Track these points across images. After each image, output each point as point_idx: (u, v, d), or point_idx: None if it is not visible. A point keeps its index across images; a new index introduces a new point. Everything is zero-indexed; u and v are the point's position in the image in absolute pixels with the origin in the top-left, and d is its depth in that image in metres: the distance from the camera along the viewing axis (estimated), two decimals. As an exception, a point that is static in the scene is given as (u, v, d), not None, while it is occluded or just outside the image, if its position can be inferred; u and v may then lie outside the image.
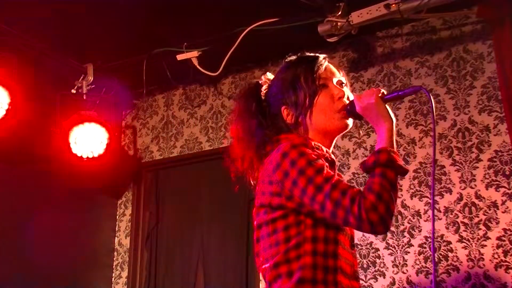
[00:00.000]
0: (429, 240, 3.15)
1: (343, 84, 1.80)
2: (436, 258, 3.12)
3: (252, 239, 3.75)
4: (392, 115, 1.67)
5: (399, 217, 3.27)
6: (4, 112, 3.37)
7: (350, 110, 1.74)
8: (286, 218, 1.62)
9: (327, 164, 1.61)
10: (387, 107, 1.68)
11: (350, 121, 1.78)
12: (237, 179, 1.95)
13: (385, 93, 1.71)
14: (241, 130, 1.84)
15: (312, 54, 1.85)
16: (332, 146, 1.83)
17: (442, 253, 3.10)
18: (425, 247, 3.16)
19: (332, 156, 1.73)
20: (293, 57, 1.91)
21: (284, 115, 1.79)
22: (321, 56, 1.83)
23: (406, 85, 3.45)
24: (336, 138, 1.83)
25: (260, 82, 1.93)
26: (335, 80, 1.79)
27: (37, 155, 3.75)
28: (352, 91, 3.80)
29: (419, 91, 1.73)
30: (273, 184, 1.64)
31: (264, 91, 1.90)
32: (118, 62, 3.92)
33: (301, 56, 1.89)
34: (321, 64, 1.79)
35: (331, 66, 1.82)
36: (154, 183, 4.39)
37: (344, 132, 1.81)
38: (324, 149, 1.72)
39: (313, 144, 1.66)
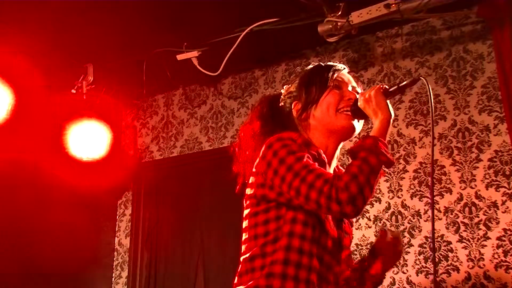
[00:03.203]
0: (429, 240, 3.15)
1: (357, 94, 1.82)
2: (436, 258, 3.12)
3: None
4: (391, 109, 1.69)
5: (399, 216, 3.27)
6: (4, 112, 3.37)
7: (354, 108, 1.75)
8: (267, 212, 1.64)
9: (309, 156, 1.62)
10: (387, 101, 1.70)
11: (356, 124, 1.78)
12: (237, 179, 1.96)
13: (387, 88, 1.73)
14: (244, 132, 1.90)
15: (339, 64, 1.90)
16: (338, 150, 1.82)
17: (442, 253, 3.10)
18: (425, 247, 3.16)
19: (324, 156, 1.72)
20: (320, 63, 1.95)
21: (294, 110, 1.83)
22: (345, 67, 1.88)
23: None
24: (342, 143, 1.82)
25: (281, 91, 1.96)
26: (350, 87, 1.82)
27: (37, 155, 3.75)
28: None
29: (417, 82, 1.74)
30: (258, 175, 1.68)
31: (283, 95, 1.92)
32: (118, 62, 3.92)
33: (323, 64, 1.92)
34: (339, 70, 1.84)
35: (350, 76, 1.86)
36: (154, 183, 4.39)
37: (351, 136, 1.81)
38: (320, 151, 1.72)
39: (301, 141, 1.67)
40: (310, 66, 1.92)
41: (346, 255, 1.80)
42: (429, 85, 1.72)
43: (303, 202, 1.56)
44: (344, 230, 1.78)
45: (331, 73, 1.81)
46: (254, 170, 1.72)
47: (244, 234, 1.72)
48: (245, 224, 1.72)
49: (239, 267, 1.71)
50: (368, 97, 1.70)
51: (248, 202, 1.72)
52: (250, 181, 1.74)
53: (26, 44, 3.57)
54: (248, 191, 1.73)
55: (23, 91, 3.51)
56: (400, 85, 1.73)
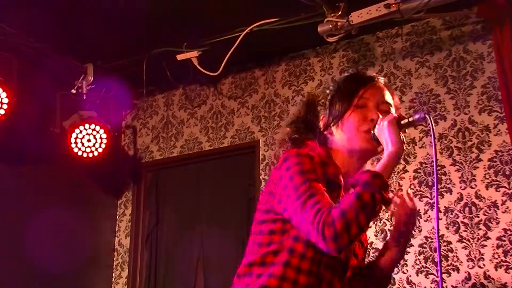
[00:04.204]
0: (429, 240, 3.15)
1: (386, 113, 1.71)
2: (436, 258, 3.12)
3: (252, 239, 3.66)
4: (402, 142, 1.62)
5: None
6: (3, 112, 3.37)
7: (373, 132, 1.68)
8: (273, 223, 1.64)
9: (319, 178, 1.57)
10: (401, 134, 1.63)
11: (379, 145, 1.71)
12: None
13: (400, 119, 1.66)
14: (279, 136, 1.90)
15: (371, 74, 1.81)
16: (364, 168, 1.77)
17: (442, 253, 3.10)
18: (425, 247, 3.16)
19: (341, 178, 1.67)
20: (357, 70, 1.92)
21: (321, 123, 1.79)
22: (379, 79, 1.78)
23: (406, 86, 3.46)
24: (366, 162, 1.77)
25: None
26: (379, 105, 1.73)
27: (37, 155, 3.75)
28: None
29: (425, 119, 1.65)
30: (271, 185, 1.67)
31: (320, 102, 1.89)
32: (118, 62, 3.92)
33: (361, 71, 1.90)
34: (371, 85, 1.74)
35: (384, 92, 1.76)
36: (154, 183, 4.39)
37: (374, 157, 1.75)
38: (338, 172, 1.67)
39: (319, 159, 1.63)
40: (345, 75, 1.85)
41: (350, 275, 1.77)
42: (433, 124, 1.64)
43: (295, 226, 1.56)
44: (353, 251, 1.74)
45: (358, 89, 1.72)
46: (270, 177, 1.72)
47: (251, 237, 1.73)
48: (252, 227, 1.73)
49: (240, 267, 1.72)
50: (382, 127, 1.64)
51: (259, 206, 1.73)
52: (265, 186, 1.73)
53: (26, 44, 3.57)
54: (261, 196, 1.74)
55: (23, 91, 3.51)
56: (409, 119, 1.66)
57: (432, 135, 1.65)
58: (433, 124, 1.66)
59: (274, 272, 1.58)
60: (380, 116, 1.68)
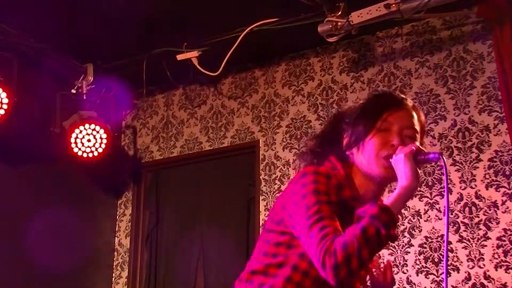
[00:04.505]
0: (429, 240, 3.15)
1: (410, 138, 1.65)
2: (436, 258, 3.12)
3: (252, 239, 3.77)
4: (418, 177, 1.57)
5: (399, 217, 3.27)
6: (3, 112, 3.37)
7: (392, 160, 1.63)
8: (282, 235, 1.62)
9: (332, 201, 1.54)
10: (417, 169, 1.57)
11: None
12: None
13: (422, 150, 1.62)
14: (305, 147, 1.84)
15: (401, 96, 1.75)
16: (383, 193, 1.75)
17: (443, 253, 3.10)
18: (425, 247, 3.16)
19: (355, 201, 1.64)
20: (386, 91, 1.86)
21: (344, 139, 1.73)
22: (407, 103, 1.71)
23: (406, 86, 3.46)
24: (385, 188, 1.74)
25: None
26: (403, 130, 1.66)
27: (37, 155, 3.75)
28: (352, 91, 3.81)
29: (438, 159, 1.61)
30: (285, 198, 1.64)
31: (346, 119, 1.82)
32: (118, 62, 3.92)
33: (389, 93, 1.83)
34: (397, 108, 1.68)
35: (410, 117, 1.69)
36: (154, 183, 4.39)
37: (393, 182, 1.69)
38: (355, 195, 1.65)
39: (336, 182, 1.60)
40: (374, 94, 1.82)
41: None
42: (446, 165, 1.61)
43: (302, 246, 1.55)
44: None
45: (383, 111, 1.66)
46: (286, 188, 1.68)
47: (258, 242, 1.72)
48: (260, 235, 1.72)
49: (243, 272, 1.71)
50: (398, 158, 1.58)
51: (271, 215, 1.70)
52: (280, 197, 1.70)
53: (26, 44, 3.57)
54: (274, 205, 1.70)
55: (23, 91, 3.51)
56: (425, 157, 1.60)
57: (445, 175, 1.59)
58: (446, 165, 1.62)
59: (275, 285, 1.58)
60: (403, 142, 1.63)
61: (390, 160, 1.61)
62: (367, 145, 1.65)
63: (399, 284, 3.18)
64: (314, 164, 1.72)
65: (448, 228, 1.66)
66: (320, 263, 1.44)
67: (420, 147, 1.62)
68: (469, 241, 3.05)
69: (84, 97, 3.91)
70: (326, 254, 1.43)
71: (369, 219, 1.45)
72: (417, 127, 1.69)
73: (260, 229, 3.69)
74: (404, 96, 1.75)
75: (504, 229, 2.97)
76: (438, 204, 3.18)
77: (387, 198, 1.57)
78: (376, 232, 1.43)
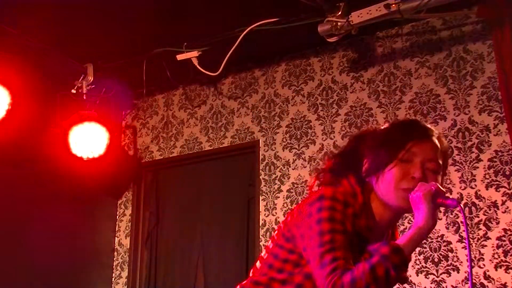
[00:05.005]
0: (429, 240, 3.15)
1: (432, 172, 1.62)
2: (436, 258, 3.12)
3: (252, 239, 3.75)
4: (435, 218, 1.54)
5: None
6: (4, 112, 3.37)
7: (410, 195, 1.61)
8: (290, 253, 1.61)
9: (348, 230, 1.53)
10: (434, 209, 1.54)
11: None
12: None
13: (442, 192, 1.57)
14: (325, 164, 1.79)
15: (427, 127, 1.69)
16: (397, 221, 1.75)
17: (442, 253, 3.10)
18: (425, 247, 3.16)
19: (370, 231, 1.62)
20: (413, 120, 1.79)
21: (364, 164, 1.69)
22: (433, 134, 1.66)
23: (406, 86, 3.46)
24: (401, 216, 1.73)
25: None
26: (425, 163, 1.62)
27: (37, 155, 3.75)
28: (352, 91, 3.80)
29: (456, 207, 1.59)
30: (299, 216, 1.62)
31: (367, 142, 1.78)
32: (118, 62, 3.92)
33: (416, 122, 1.76)
34: (422, 140, 1.63)
35: (435, 149, 1.64)
36: (154, 183, 4.39)
37: (410, 212, 1.67)
38: (370, 225, 1.62)
39: (353, 211, 1.58)
40: (400, 121, 1.78)
41: None
42: (465, 213, 1.62)
43: (311, 272, 1.54)
44: None
45: (407, 141, 1.62)
46: (302, 206, 1.64)
47: (264, 252, 1.71)
48: (269, 244, 1.70)
49: (246, 281, 1.69)
50: (417, 197, 1.54)
51: (282, 227, 1.68)
52: (293, 214, 1.66)
53: (26, 44, 3.57)
54: (287, 220, 1.68)
55: (23, 91, 3.51)
56: (443, 201, 1.56)
57: (465, 223, 1.58)
58: (465, 214, 1.60)
59: None
60: (424, 175, 1.59)
61: (409, 194, 1.58)
62: (387, 174, 1.61)
63: (399, 284, 3.18)
64: (332, 184, 1.67)
65: (472, 279, 1.65)
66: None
67: (440, 187, 1.57)
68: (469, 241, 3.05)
69: (84, 97, 3.91)
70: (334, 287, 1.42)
71: (380, 259, 1.44)
72: (440, 161, 1.64)
73: (260, 230, 3.69)
74: (429, 126, 1.70)
75: (504, 229, 2.97)
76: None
77: (401, 236, 1.54)
78: (385, 272, 1.43)
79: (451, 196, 1.60)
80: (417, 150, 1.61)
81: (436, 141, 1.65)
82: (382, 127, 1.74)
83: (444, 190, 1.57)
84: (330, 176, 1.72)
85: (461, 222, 3.09)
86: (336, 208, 1.54)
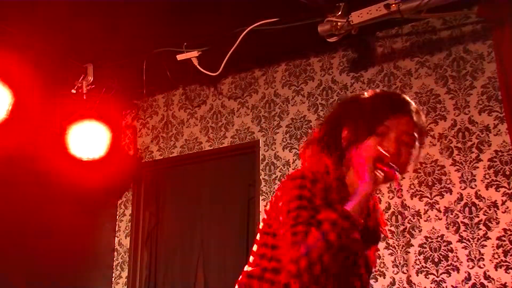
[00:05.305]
0: (429, 240, 3.15)
1: (407, 145, 1.67)
2: (436, 258, 3.12)
3: (252, 239, 3.73)
4: (374, 182, 1.59)
5: (399, 217, 3.27)
6: (5, 112, 3.37)
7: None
8: (275, 237, 1.64)
9: (315, 207, 1.56)
10: (373, 172, 1.60)
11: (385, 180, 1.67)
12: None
13: (385, 155, 1.62)
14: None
15: (406, 101, 1.72)
16: (376, 197, 1.78)
17: (442, 253, 3.10)
18: (425, 247, 3.16)
19: (340, 204, 1.64)
20: (393, 93, 1.83)
21: (343, 133, 1.72)
22: (410, 108, 1.70)
23: (406, 86, 3.46)
24: (375, 189, 1.71)
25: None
26: (401, 136, 1.66)
27: (37, 155, 3.75)
28: (352, 91, 3.80)
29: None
30: (275, 199, 1.66)
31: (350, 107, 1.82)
32: (118, 62, 3.92)
33: (395, 95, 1.80)
34: (400, 114, 1.67)
35: (411, 124, 1.68)
36: (154, 183, 4.40)
37: (382, 184, 1.71)
38: (340, 198, 1.65)
39: (324, 185, 1.62)
40: (379, 93, 1.80)
41: None
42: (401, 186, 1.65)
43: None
44: (357, 273, 1.68)
45: (385, 116, 1.66)
46: (276, 190, 1.69)
47: (255, 244, 1.72)
48: (258, 235, 1.72)
49: (242, 275, 1.71)
50: (360, 160, 1.62)
51: (266, 219, 1.71)
52: (273, 201, 1.70)
53: (26, 44, 3.57)
54: (268, 204, 1.73)
55: (23, 91, 3.51)
56: (382, 167, 1.62)
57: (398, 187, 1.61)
58: (400, 185, 1.62)
59: None
60: (399, 149, 1.64)
61: (381, 166, 1.62)
62: (363, 146, 1.65)
63: (399, 284, 3.18)
64: (313, 157, 1.74)
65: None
66: (287, 269, 1.48)
67: (384, 152, 1.61)
68: (469, 241, 3.05)
69: (84, 97, 3.91)
70: (291, 261, 1.47)
71: (330, 226, 1.49)
72: (416, 134, 1.68)
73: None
74: (407, 99, 1.73)
75: (504, 229, 2.97)
76: (438, 204, 3.18)
77: (350, 201, 1.58)
78: (337, 237, 1.47)
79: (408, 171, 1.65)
80: (393, 125, 1.65)
81: (414, 116, 1.69)
82: (364, 96, 1.77)
83: (388, 155, 1.61)
84: (315, 147, 1.77)
85: (461, 222, 3.10)
86: (304, 186, 1.59)
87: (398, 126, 1.66)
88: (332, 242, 1.47)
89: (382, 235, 1.86)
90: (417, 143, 1.69)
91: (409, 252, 3.19)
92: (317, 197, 1.59)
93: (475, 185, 3.11)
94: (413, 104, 1.72)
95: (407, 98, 1.75)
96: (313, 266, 1.45)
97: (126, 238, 4.30)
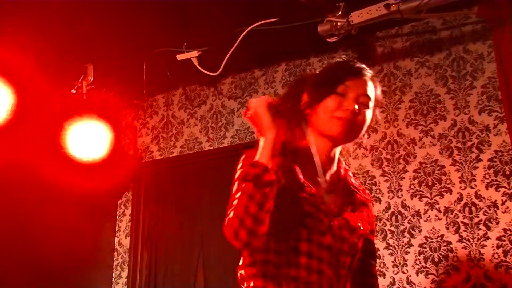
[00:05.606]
0: (429, 240, 3.15)
1: (364, 105, 1.77)
2: (436, 258, 3.12)
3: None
4: (274, 126, 1.74)
5: (399, 217, 3.27)
6: (4, 112, 3.37)
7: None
8: None
9: (256, 174, 1.62)
10: (271, 117, 1.74)
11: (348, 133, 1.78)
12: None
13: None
14: None
15: (362, 67, 1.85)
16: (336, 153, 1.84)
17: (442, 253, 3.10)
18: (425, 247, 3.16)
19: (298, 167, 1.75)
20: (349, 60, 1.94)
21: (303, 97, 1.84)
22: (366, 73, 1.82)
23: (406, 86, 3.46)
24: (336, 147, 1.83)
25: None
26: (359, 97, 1.77)
27: (37, 155, 3.75)
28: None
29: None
30: None
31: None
32: (118, 62, 3.92)
33: (352, 61, 1.90)
34: (357, 76, 1.80)
35: (367, 86, 1.80)
36: (154, 183, 4.39)
37: (345, 143, 1.83)
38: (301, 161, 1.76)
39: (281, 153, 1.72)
40: (336, 61, 1.94)
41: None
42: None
43: None
44: (341, 237, 1.72)
45: (343, 77, 1.78)
46: None
47: None
48: None
49: (237, 271, 1.76)
50: (255, 114, 1.77)
51: None
52: None
53: (26, 44, 3.57)
54: None
55: (23, 91, 3.51)
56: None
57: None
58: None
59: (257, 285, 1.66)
60: (357, 107, 1.74)
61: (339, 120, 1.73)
62: (323, 106, 1.76)
63: (399, 284, 3.18)
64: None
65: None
66: (226, 237, 1.57)
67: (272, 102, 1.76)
68: (469, 241, 3.05)
69: (84, 97, 3.91)
70: (225, 228, 1.57)
71: (243, 181, 1.62)
72: (372, 96, 1.79)
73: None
74: (364, 67, 1.85)
75: (504, 229, 2.97)
76: (438, 204, 3.18)
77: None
78: (254, 185, 1.57)
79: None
80: (351, 85, 1.77)
81: (370, 79, 1.81)
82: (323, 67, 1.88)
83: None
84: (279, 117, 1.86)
85: (461, 222, 3.10)
86: (246, 157, 1.78)
87: (356, 87, 1.77)
88: (250, 192, 1.56)
89: (366, 198, 1.90)
90: (371, 104, 1.79)
91: (409, 252, 3.19)
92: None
93: (475, 185, 3.11)
94: (369, 70, 1.85)
95: (362, 65, 1.87)
96: (244, 221, 1.53)
97: (126, 238, 4.30)
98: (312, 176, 1.74)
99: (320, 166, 1.72)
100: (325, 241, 1.67)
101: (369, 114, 1.79)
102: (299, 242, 1.64)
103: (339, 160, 1.87)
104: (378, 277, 3.25)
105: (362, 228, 1.78)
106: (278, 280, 1.62)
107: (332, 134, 1.76)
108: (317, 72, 1.90)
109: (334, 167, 1.85)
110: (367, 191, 1.94)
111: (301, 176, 1.73)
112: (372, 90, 1.81)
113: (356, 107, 1.73)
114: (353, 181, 1.90)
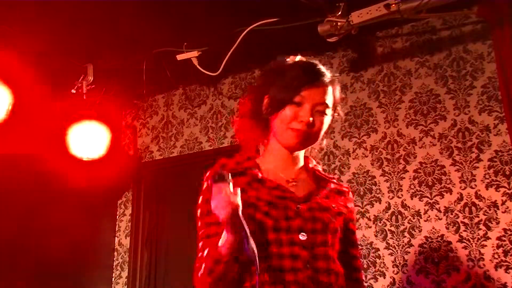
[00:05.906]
0: (429, 240, 3.15)
1: (320, 113, 1.80)
2: (436, 258, 3.12)
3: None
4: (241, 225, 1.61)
5: (399, 216, 3.27)
6: (5, 113, 3.37)
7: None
8: None
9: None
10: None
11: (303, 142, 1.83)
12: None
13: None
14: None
15: (321, 72, 1.83)
16: (299, 156, 1.90)
17: (442, 253, 3.10)
18: (425, 247, 3.16)
19: (262, 171, 1.84)
20: (310, 63, 1.88)
21: (263, 104, 1.87)
22: (324, 79, 1.82)
23: (406, 86, 3.46)
24: (297, 156, 1.89)
25: None
26: (316, 106, 1.78)
27: (37, 155, 3.75)
28: (352, 91, 3.80)
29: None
30: None
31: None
32: (118, 62, 3.92)
33: (312, 65, 1.86)
34: (314, 85, 1.79)
35: (325, 94, 1.80)
36: (154, 183, 4.39)
37: (298, 150, 1.89)
38: (265, 166, 1.87)
39: (241, 167, 1.86)
40: (295, 62, 1.88)
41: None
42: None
43: None
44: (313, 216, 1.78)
45: (300, 86, 1.77)
46: None
47: None
48: None
49: None
50: (224, 214, 1.63)
51: None
52: None
53: (26, 44, 3.57)
54: None
55: (23, 91, 3.51)
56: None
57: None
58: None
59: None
60: (313, 118, 1.77)
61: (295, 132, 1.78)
62: (281, 115, 1.79)
63: (399, 284, 3.18)
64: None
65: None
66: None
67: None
68: (469, 241, 3.05)
69: (84, 97, 3.91)
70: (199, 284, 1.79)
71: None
72: (330, 103, 1.82)
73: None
74: (322, 70, 1.84)
75: (504, 229, 2.97)
76: (438, 204, 3.18)
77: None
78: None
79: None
80: (308, 95, 1.77)
81: (327, 85, 1.81)
82: (285, 64, 1.87)
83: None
84: (246, 120, 1.92)
85: (461, 222, 3.10)
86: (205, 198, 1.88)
87: (312, 96, 1.78)
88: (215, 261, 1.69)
89: (343, 189, 1.95)
90: (328, 111, 1.82)
91: (409, 252, 3.19)
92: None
93: (475, 185, 3.11)
94: (328, 75, 1.83)
95: (323, 68, 1.85)
96: (213, 271, 1.71)
97: (126, 238, 4.30)
98: (275, 172, 1.83)
99: (281, 162, 1.83)
100: (294, 224, 1.71)
101: (326, 120, 1.82)
102: (266, 233, 1.69)
103: (306, 157, 1.94)
104: (378, 277, 3.26)
105: (336, 208, 1.83)
106: (261, 274, 1.65)
107: (287, 144, 1.82)
108: (278, 71, 1.86)
109: (301, 163, 1.91)
110: (344, 184, 2.00)
111: (259, 174, 1.81)
112: (330, 96, 1.82)
113: (311, 119, 1.76)
114: (324, 173, 1.97)
